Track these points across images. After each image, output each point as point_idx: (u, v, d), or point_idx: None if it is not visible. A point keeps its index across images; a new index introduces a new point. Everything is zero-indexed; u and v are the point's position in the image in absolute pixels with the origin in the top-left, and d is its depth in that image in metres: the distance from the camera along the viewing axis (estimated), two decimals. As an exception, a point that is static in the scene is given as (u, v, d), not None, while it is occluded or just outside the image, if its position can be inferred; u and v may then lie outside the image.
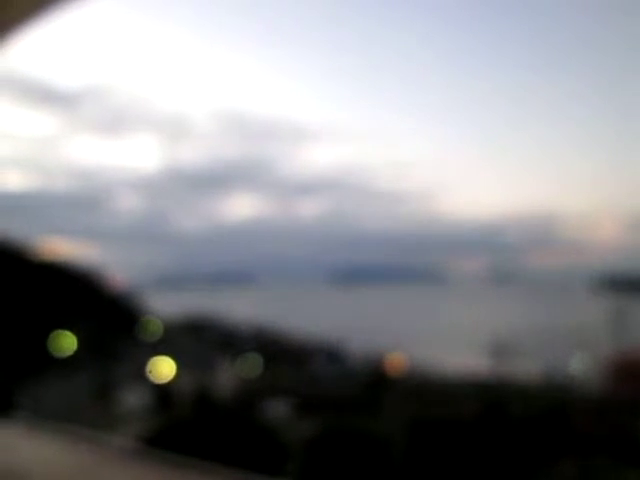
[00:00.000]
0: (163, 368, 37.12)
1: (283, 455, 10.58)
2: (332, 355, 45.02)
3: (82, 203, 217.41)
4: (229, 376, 36.02)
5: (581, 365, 45.82)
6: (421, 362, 47.15)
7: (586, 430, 19.53)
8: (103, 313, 48.65)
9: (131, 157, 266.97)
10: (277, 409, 24.70)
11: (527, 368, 43.62)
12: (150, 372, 36.00)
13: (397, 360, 47.10)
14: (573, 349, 50.39)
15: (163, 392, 29.48)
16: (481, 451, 11.45)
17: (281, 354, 44.90)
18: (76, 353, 41.16)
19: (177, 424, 13.30)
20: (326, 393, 28.78)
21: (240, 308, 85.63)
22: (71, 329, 42.08)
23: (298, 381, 33.35)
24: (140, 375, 35.50)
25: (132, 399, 29.12)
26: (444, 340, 78.31)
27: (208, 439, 10.35)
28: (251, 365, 41.32)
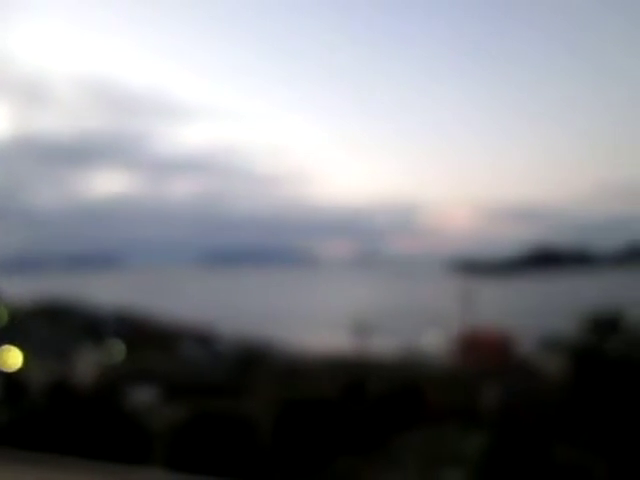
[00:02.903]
0: (9, 357, 34.36)
1: (149, 443, 10.44)
2: (202, 339, 44.52)
3: None
4: (90, 363, 34.23)
5: (434, 342, 50.01)
6: (290, 343, 48.35)
7: (436, 402, 21.56)
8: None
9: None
10: (142, 395, 24.03)
11: (386, 346, 46.66)
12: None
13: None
14: (428, 327, 54.74)
15: (11, 382, 27.33)
16: (342, 427, 12.22)
17: (147, 339, 43.48)
18: None
19: (27, 416, 12.49)
20: (195, 377, 28.56)
21: (104, 292, 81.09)
22: None
23: (165, 366, 32.64)
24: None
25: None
26: (312, 320, 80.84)
27: (65, 431, 9.89)
28: (115, 351, 39.57)
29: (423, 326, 58.42)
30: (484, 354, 43.81)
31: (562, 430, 14.45)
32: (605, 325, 16.14)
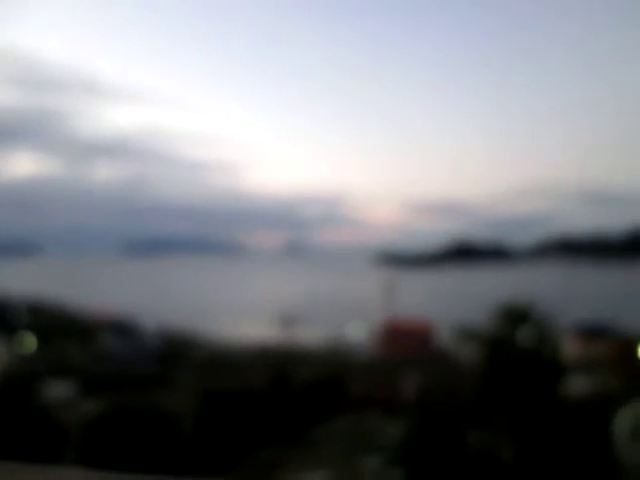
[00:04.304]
0: None
1: (63, 439, 10.00)
2: (123, 330, 43.00)
3: None
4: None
5: (358, 332, 51.08)
6: (215, 334, 47.76)
7: (360, 389, 22.10)
8: None
9: None
10: (58, 390, 22.90)
11: (313, 336, 47.15)
12: None
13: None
14: (352, 318, 55.83)
15: None
16: (266, 417, 12.26)
17: (65, 330, 41.44)
18: None
19: None
20: (116, 370, 27.57)
21: (18, 281, 76.61)
22: None
23: (84, 358, 31.29)
24: None
25: None
26: (239, 311, 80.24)
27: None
28: (26, 343, 37.42)
29: (348, 317, 59.52)
30: (405, 343, 45.33)
31: (475, 416, 15.24)
32: (516, 316, 17.12)
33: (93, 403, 15.52)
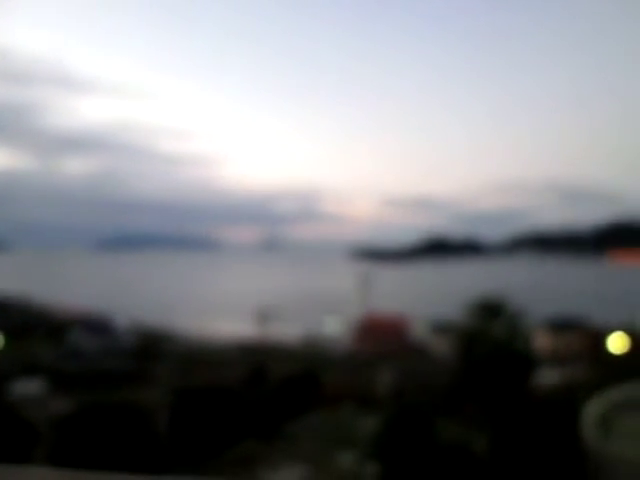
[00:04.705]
0: None
1: (33, 438, 9.80)
2: (96, 327, 42.28)
3: None
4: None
5: (334, 327, 51.23)
6: (191, 330, 47.36)
7: (335, 383, 22.17)
8: None
9: None
10: (27, 388, 22.41)
11: (289, 331, 47.12)
12: None
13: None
14: (328, 312, 55.97)
15: None
16: (242, 413, 12.22)
17: (34, 327, 40.59)
18: None
19: None
20: (87, 367, 27.13)
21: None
22: None
23: (54, 356, 30.71)
24: None
25: None
26: (215, 307, 79.72)
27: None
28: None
29: (324, 312, 59.65)
30: (381, 338, 45.64)
31: (449, 408, 15.45)
32: (489, 310, 17.37)
33: (63, 401, 15.24)
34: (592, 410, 4.61)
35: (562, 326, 53.90)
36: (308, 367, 22.97)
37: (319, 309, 62.22)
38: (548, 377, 20.68)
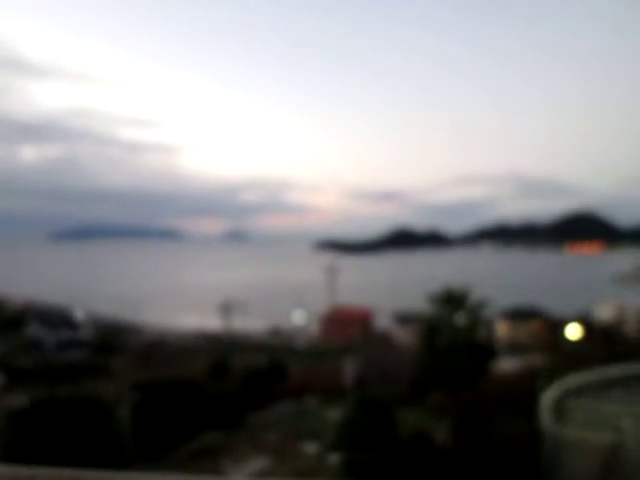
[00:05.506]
0: None
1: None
2: (52, 319, 41.20)
3: None
4: None
5: (300, 317, 51.29)
6: (157, 322, 46.64)
7: (300, 374, 22.21)
8: None
9: None
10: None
11: (254, 322, 46.92)
12: None
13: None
14: (295, 303, 56.04)
15: None
16: (205, 405, 12.07)
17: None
18: None
19: None
20: (45, 361, 26.45)
21: None
22: None
23: (8, 349, 29.81)
24: None
25: None
26: (178, 299, 78.60)
27: None
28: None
29: (290, 303, 59.63)
30: (346, 329, 45.94)
31: (413, 397, 15.66)
32: (452, 300, 17.64)
33: (18, 395, 14.79)
34: (549, 396, 4.69)
35: (521, 315, 55.37)
36: (273, 358, 22.93)
37: (285, 300, 62.15)
38: (507, 364, 21.22)
